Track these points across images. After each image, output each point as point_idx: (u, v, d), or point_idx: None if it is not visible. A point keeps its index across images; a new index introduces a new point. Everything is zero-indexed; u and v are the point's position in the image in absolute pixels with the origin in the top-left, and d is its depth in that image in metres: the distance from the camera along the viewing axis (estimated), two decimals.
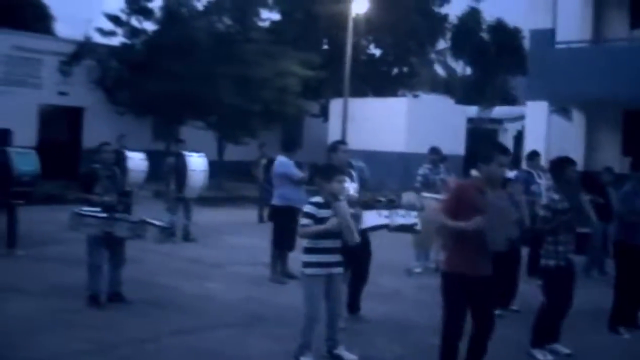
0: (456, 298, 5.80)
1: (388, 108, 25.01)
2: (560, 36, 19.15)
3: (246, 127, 21.70)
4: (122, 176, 9.53)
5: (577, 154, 18.22)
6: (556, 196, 7.14)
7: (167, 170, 13.89)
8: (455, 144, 26.28)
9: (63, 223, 14.56)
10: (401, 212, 8.37)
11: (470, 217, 5.61)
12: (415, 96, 27.86)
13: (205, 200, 16.19)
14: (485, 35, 30.60)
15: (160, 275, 10.19)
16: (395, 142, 23.89)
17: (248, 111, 20.81)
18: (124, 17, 22.64)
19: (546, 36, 18.59)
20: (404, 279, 10.81)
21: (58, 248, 11.98)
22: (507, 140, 30.90)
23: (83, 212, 8.08)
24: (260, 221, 17.19)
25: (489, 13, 32.25)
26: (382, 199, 8.71)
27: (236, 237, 14.57)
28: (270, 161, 16.90)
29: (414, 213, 8.47)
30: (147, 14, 22.53)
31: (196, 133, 21.34)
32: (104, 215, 8.06)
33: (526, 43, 30.23)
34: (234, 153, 22.71)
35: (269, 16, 24.72)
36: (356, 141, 20.34)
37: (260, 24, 23.00)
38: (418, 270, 11.42)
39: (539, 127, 18.43)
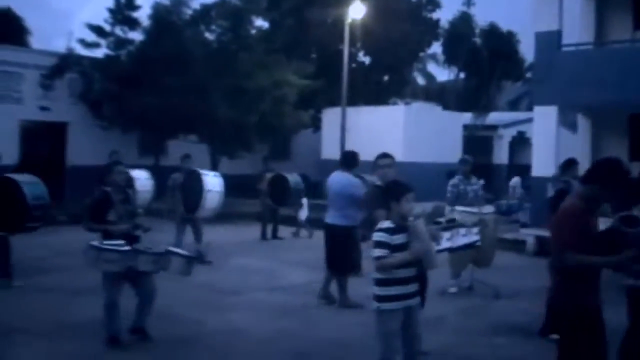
0: (592, 337, 4.92)
1: (384, 117, 24.20)
2: (563, 39, 18.52)
3: (242, 140, 20.75)
4: (135, 199, 8.46)
5: (583, 161, 17.57)
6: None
7: (172, 187, 12.93)
8: (452, 152, 25.60)
9: (56, 247, 13.87)
10: (462, 231, 7.56)
11: (587, 245, 4.80)
12: (407, 104, 27.11)
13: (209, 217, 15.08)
14: (478, 40, 29.96)
15: (178, 306, 9.21)
16: (393, 151, 22.89)
17: (243, 124, 19.87)
18: (107, 27, 21.58)
19: (552, 39, 17.90)
20: (443, 302, 9.89)
21: (57, 276, 11.08)
22: (503, 146, 30.34)
23: (102, 247, 7.03)
24: (263, 238, 16.43)
25: (481, 18, 31.86)
26: (441, 219, 7.86)
27: (244, 257, 13.65)
28: (278, 176, 16.13)
29: (475, 230, 7.66)
30: (132, 23, 21.48)
31: (187, 147, 20.33)
32: (126, 248, 7.07)
33: (522, 47, 29.91)
34: (228, 167, 21.76)
35: (259, 24, 23.80)
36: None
37: (253, 32, 22.01)
38: (453, 290, 10.60)
39: (548, 133, 17.71)
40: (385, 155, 7.90)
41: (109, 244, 7.07)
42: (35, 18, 55.29)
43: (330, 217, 9.45)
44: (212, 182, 12.24)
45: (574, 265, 4.83)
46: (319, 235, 16.58)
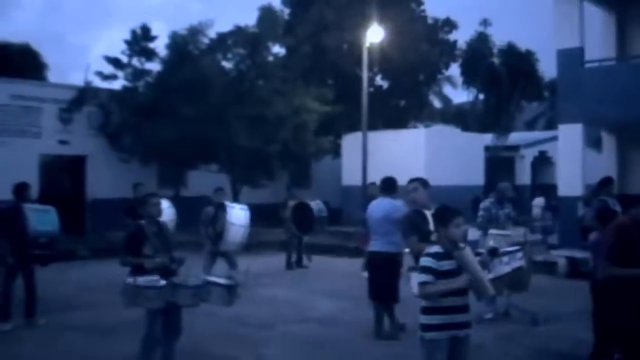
0: None
1: (405, 140, 23.96)
2: (586, 55, 18.27)
3: (263, 169, 20.53)
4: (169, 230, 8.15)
5: None
6: None
7: (204, 221, 12.65)
8: (474, 174, 25.35)
9: (80, 283, 13.67)
10: (505, 259, 7.23)
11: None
12: (427, 127, 26.88)
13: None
14: (496, 60, 29.70)
15: (207, 342, 8.92)
16: (415, 174, 22.72)
17: (264, 153, 19.66)
18: (124, 59, 21.53)
19: (575, 55, 17.66)
20: (481, 329, 9.44)
21: (81, 313, 10.81)
22: (525, 166, 29.98)
23: (140, 284, 6.72)
24: (288, 268, 16.15)
25: (499, 37, 31.57)
26: (482, 250, 7.55)
27: (271, 288, 13.33)
28: (301, 204, 15.89)
29: (519, 255, 7.34)
30: (149, 54, 21.42)
31: (207, 177, 20.17)
32: (164, 283, 6.78)
33: (541, 66, 29.65)
34: (249, 196, 21.57)
35: (276, 51, 23.70)
36: (375, 176, 19.23)
37: (270, 59, 21.90)
38: (489, 316, 10.24)
39: (573, 151, 17.39)
40: (420, 180, 7.62)
41: (145, 280, 6.77)
42: (53, 53, 55.84)
43: (375, 245, 9.14)
44: (237, 215, 11.97)
45: (607, 277, 4.61)
46: (320, 262, 16.50)
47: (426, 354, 5.34)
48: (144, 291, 6.64)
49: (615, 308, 4.96)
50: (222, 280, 7.19)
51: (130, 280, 6.73)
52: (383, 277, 9.06)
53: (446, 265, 5.23)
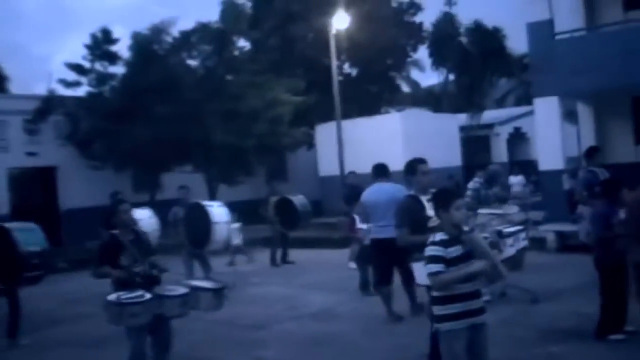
0: None
1: (380, 126, 23.60)
2: (556, 27, 18.10)
3: (240, 165, 20.13)
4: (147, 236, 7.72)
5: None
6: None
7: (173, 221, 12.31)
8: (452, 155, 25.13)
9: (61, 297, 13.20)
10: (509, 241, 6.93)
11: None
12: (400, 111, 26.62)
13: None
14: (464, 40, 29.44)
15: (200, 347, 8.58)
16: (393, 160, 22.32)
17: (241, 148, 19.25)
18: (87, 64, 20.95)
19: (545, 28, 17.47)
20: None
21: (66, 328, 10.43)
22: (500, 144, 29.88)
23: (123, 301, 6.28)
24: (273, 264, 15.82)
25: (465, 16, 31.31)
26: (487, 235, 7.23)
27: (261, 286, 13.03)
28: (283, 199, 15.56)
29: (522, 235, 7.05)
30: (112, 57, 20.86)
31: (183, 178, 19.71)
32: (149, 297, 6.37)
33: (509, 42, 29.45)
34: (227, 194, 21.17)
35: (243, 46, 23.25)
36: (353, 165, 18.97)
37: (236, 53, 21.46)
38: (487, 298, 9.87)
39: (552, 124, 17.18)
40: (422, 161, 7.10)
41: (129, 297, 6.34)
42: (14, 64, 54.88)
43: (384, 232, 8.56)
44: (218, 212, 11.65)
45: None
46: (305, 256, 16.16)
47: (445, 346, 5.03)
48: (128, 308, 6.23)
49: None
50: (208, 284, 6.83)
51: (112, 297, 6.31)
52: (400, 260, 8.59)
53: (454, 251, 4.93)
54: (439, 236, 5.00)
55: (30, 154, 20.88)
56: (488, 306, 9.39)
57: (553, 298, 9.88)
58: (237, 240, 15.33)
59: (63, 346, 9.32)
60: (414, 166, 6.76)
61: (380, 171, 9.33)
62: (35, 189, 21.94)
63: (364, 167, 21.31)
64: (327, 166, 23.88)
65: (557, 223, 15.12)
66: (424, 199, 6.63)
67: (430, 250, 4.95)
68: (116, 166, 20.49)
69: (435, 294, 5.04)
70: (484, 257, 4.87)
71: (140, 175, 21.81)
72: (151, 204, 17.69)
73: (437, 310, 5.03)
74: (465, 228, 5.00)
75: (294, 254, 16.26)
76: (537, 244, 14.84)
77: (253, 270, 15.04)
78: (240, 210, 18.79)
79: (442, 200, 5.11)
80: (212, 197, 20.30)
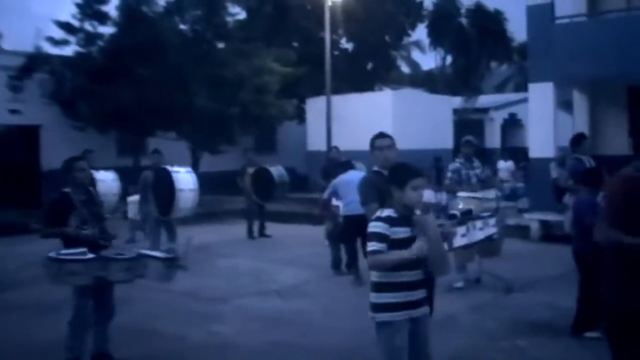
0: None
1: (371, 103, 23.24)
2: (556, 11, 17.66)
3: (223, 134, 19.71)
4: (101, 199, 7.32)
5: None
6: None
7: (142, 187, 11.94)
8: (443, 138, 24.76)
9: (26, 258, 12.80)
10: (478, 224, 6.54)
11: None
12: (395, 90, 26.19)
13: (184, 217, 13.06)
14: (464, 20, 28.93)
15: (155, 319, 8.22)
16: None
17: (224, 116, 18.83)
18: (76, 23, 20.43)
19: (545, 11, 17.02)
20: (451, 299, 8.84)
21: (24, 291, 9.99)
22: (494, 129, 29.48)
23: (63, 257, 5.86)
24: (249, 236, 15.42)
25: None
26: (455, 212, 6.84)
27: (230, 259, 12.63)
28: (260, 170, 15.18)
29: (492, 221, 6.66)
30: (102, 18, 20.34)
31: (167, 144, 19.32)
32: (92, 256, 5.96)
33: (510, 26, 28.98)
34: (210, 164, 20.78)
35: (236, 12, 22.75)
36: (341, 141, 18.65)
37: (228, 19, 20.98)
38: (459, 284, 9.62)
39: (545, 111, 16.81)
40: (383, 135, 6.68)
41: (69, 253, 5.94)
42: (11, 22, 54.17)
43: (357, 208, 8.28)
44: (184, 179, 11.23)
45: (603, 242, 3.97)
46: (284, 230, 15.82)
47: (382, 340, 4.50)
48: (68, 266, 5.80)
49: (610, 279, 4.29)
50: (158, 254, 6.44)
51: (52, 253, 5.92)
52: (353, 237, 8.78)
53: (400, 232, 4.38)
54: (387, 212, 4.44)
55: (14, 111, 20.45)
56: (460, 293, 9.20)
57: (528, 288, 9.53)
58: (139, 214, 13.68)
59: (17, 309, 8.95)
60: (372, 141, 6.32)
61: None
62: (17, 148, 21.47)
63: (353, 143, 21.02)
64: (316, 141, 23.52)
65: (542, 212, 14.77)
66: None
67: (373, 226, 4.40)
68: (100, 128, 20.06)
69: (374, 279, 4.53)
70: (431, 244, 4.40)
71: (124, 139, 21.41)
72: (134, 168, 17.36)
73: (375, 297, 4.51)
74: (418, 212, 4.53)
75: (273, 227, 15.86)
76: (521, 231, 14.55)
77: (227, 242, 14.68)
78: (223, 181, 18.48)
79: (399, 175, 4.56)
80: (195, 165, 19.94)
